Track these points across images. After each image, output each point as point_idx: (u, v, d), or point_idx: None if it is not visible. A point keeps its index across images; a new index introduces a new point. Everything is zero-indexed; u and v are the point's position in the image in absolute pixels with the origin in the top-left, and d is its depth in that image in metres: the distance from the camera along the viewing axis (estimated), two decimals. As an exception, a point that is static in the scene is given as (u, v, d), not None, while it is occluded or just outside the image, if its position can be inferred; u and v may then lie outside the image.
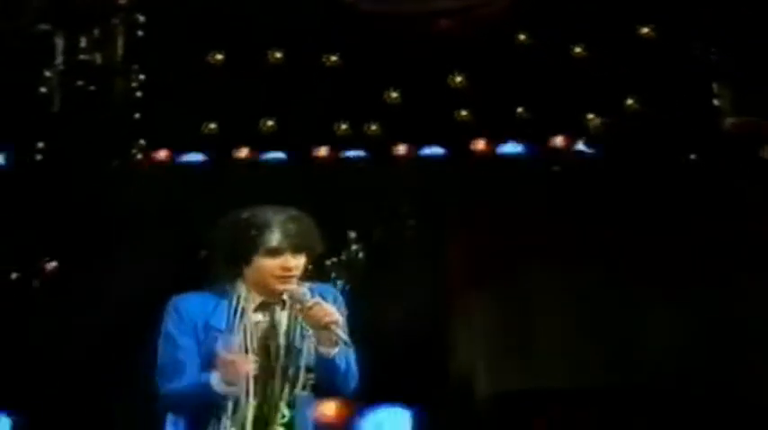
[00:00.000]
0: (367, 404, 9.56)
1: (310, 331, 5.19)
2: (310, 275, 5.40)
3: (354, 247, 10.21)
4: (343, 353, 5.23)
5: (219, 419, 5.23)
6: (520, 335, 9.66)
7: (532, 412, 9.48)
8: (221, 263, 5.39)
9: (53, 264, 10.18)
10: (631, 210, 9.75)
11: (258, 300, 5.27)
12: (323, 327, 5.06)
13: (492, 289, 9.79)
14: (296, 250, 5.29)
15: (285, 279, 5.24)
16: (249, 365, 5.17)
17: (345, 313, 5.39)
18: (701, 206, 9.73)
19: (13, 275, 10.11)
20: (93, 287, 9.86)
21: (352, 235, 10.21)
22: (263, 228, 5.32)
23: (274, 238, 5.28)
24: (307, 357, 5.20)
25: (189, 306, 5.32)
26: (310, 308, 5.08)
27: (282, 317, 5.30)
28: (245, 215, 5.36)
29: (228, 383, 5.13)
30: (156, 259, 9.70)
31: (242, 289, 5.31)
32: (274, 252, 5.27)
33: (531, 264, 9.69)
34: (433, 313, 9.84)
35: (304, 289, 5.19)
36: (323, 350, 5.13)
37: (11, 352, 9.64)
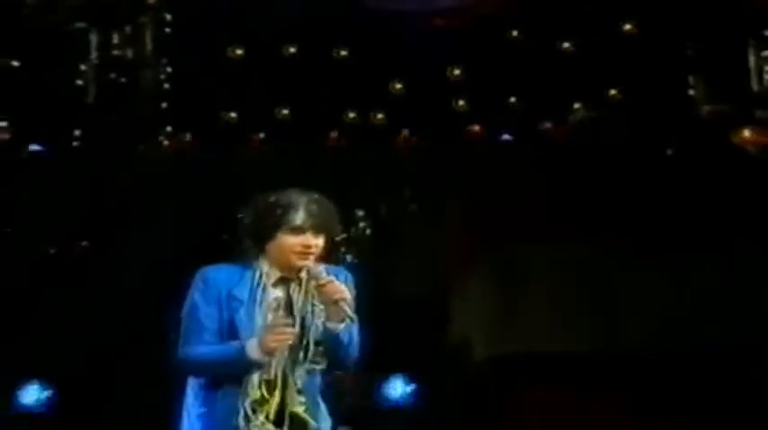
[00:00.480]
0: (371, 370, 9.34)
1: (321, 307, 5.21)
2: (323, 255, 5.38)
3: (362, 225, 10.20)
4: (348, 330, 5.25)
5: (239, 384, 5.23)
6: (513, 304, 9.60)
7: (526, 376, 9.42)
8: (248, 239, 5.40)
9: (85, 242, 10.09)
10: (614, 189, 9.72)
11: (277, 275, 5.28)
12: (333, 303, 5.09)
13: (487, 262, 9.77)
14: (317, 230, 5.29)
15: (305, 255, 5.25)
16: (291, 336, 5.22)
17: (354, 292, 5.41)
18: (679, 183, 9.72)
19: (51, 251, 10.07)
20: (121, 262, 9.88)
21: (360, 213, 10.18)
22: (289, 207, 5.33)
23: (298, 217, 5.29)
24: (315, 332, 5.21)
25: (215, 276, 5.32)
26: (324, 285, 5.11)
27: (298, 293, 5.32)
28: (272, 197, 5.37)
29: (267, 351, 5.16)
30: (178, 235, 9.71)
31: (264, 265, 5.31)
32: (297, 230, 5.27)
33: (522, 238, 9.64)
34: (433, 284, 9.83)
35: (321, 267, 5.21)
36: (330, 325, 5.16)
37: (44, 323, 9.65)
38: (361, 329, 5.30)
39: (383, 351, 8.63)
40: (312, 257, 5.25)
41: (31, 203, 10.03)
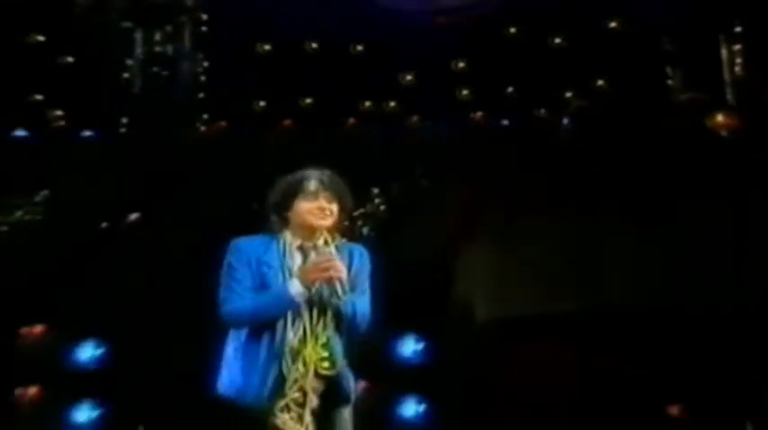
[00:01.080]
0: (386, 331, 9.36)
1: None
2: (341, 229, 5.59)
3: (377, 201, 10.15)
4: (351, 302, 5.32)
5: (275, 338, 5.35)
6: (512, 271, 9.43)
7: (523, 334, 9.24)
8: (273, 214, 5.51)
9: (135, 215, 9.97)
10: (601, 167, 9.60)
11: (298, 243, 5.40)
12: (328, 280, 5.23)
13: (488, 233, 9.61)
14: (329, 196, 5.44)
15: (321, 217, 5.39)
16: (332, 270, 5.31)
17: (369, 267, 5.60)
18: (659, 162, 9.62)
19: (104, 225, 10.00)
20: (167, 231, 9.79)
21: (375, 190, 10.18)
22: (303, 179, 5.49)
23: (311, 184, 5.44)
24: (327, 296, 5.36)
25: (246, 245, 5.45)
26: (321, 263, 5.26)
27: (314, 257, 5.42)
28: (290, 176, 5.54)
29: (310, 283, 5.27)
30: (215, 208, 9.56)
31: (288, 235, 5.44)
32: (311, 195, 5.41)
33: (519, 211, 9.46)
34: (440, 253, 9.71)
35: (330, 248, 5.36)
36: (334, 300, 5.32)
37: (99, 287, 9.49)
38: (373, 299, 5.47)
39: (397, 312, 8.55)
40: (329, 220, 5.43)
41: (87, 182, 9.88)
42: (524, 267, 9.35)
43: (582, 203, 9.33)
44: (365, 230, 9.82)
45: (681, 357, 8.86)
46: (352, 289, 5.40)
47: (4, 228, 9.79)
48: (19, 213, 9.82)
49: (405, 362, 9.55)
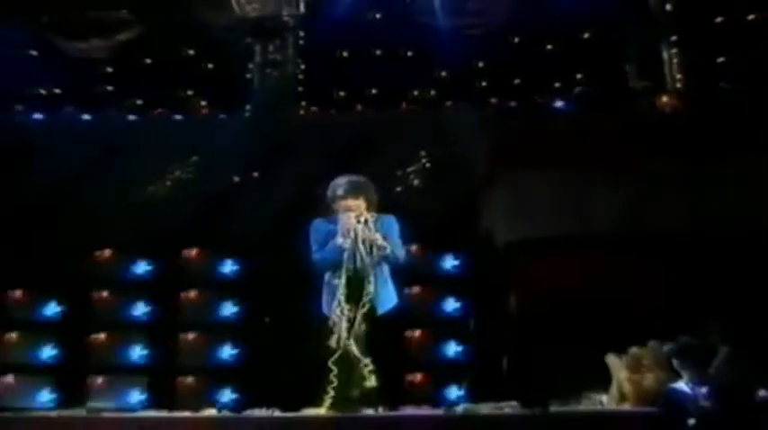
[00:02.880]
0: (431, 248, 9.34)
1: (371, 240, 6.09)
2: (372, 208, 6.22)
3: (423, 161, 9.74)
4: (387, 251, 6.08)
5: (339, 278, 6.07)
6: (522, 209, 9.11)
7: (530, 252, 8.86)
8: (330, 204, 6.27)
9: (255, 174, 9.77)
10: (583, 133, 9.23)
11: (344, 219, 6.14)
12: (347, 231, 6.03)
13: (506, 181, 9.24)
14: (353, 194, 6.15)
15: (349, 209, 6.13)
16: (352, 220, 6.07)
17: (397, 227, 6.26)
18: (623, 131, 9.22)
19: (235, 179, 9.82)
20: (277, 187, 9.60)
21: (422, 152, 9.74)
22: (337, 186, 6.25)
23: (340, 191, 6.22)
24: (370, 249, 6.07)
25: (320, 223, 6.27)
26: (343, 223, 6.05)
27: (359, 231, 6.10)
28: (332, 182, 6.29)
29: (344, 235, 6.02)
30: (310, 170, 9.13)
31: (341, 217, 6.14)
32: (341, 198, 6.20)
33: (525, 167, 9.10)
34: (471, 196, 9.37)
35: (360, 224, 6.05)
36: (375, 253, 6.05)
37: (233, 222, 9.50)
38: (404, 243, 6.24)
39: (440, 235, 9.28)
40: (356, 211, 6.11)
41: (223, 150, 9.63)
42: (530, 207, 9.06)
43: (570, 160, 8.96)
44: (416, 182, 9.61)
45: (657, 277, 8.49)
46: (382, 245, 6.09)
47: (168, 183, 9.66)
48: (177, 172, 9.71)
49: (444, 274, 9.45)
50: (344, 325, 5.97)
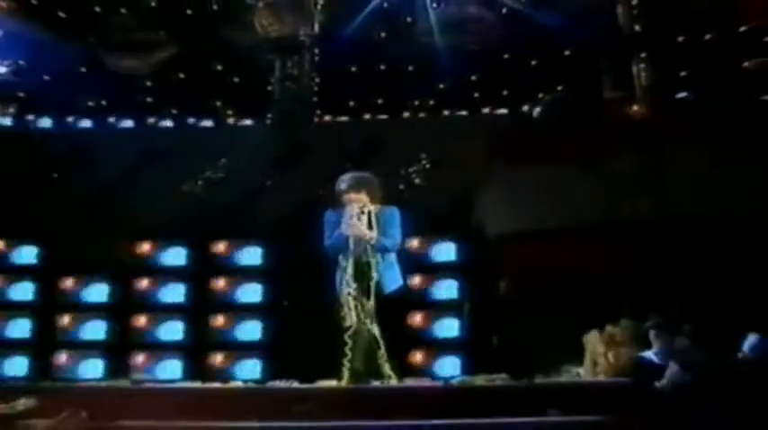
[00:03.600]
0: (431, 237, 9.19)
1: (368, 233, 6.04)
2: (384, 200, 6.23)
3: (423, 161, 9.49)
4: (379, 241, 6.03)
5: (346, 261, 6.07)
6: (514, 201, 8.88)
7: (520, 240, 8.59)
8: (338, 197, 6.25)
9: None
10: (569, 135, 9.03)
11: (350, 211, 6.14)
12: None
13: (501, 177, 9.03)
14: (355, 189, 6.15)
15: (351, 202, 6.11)
16: (354, 211, 6.11)
17: (398, 217, 6.17)
18: (602, 135, 9.03)
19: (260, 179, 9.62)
20: (296, 184, 9.37)
21: (423, 155, 9.51)
22: (341, 181, 6.23)
23: (342, 186, 6.22)
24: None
25: (331, 214, 6.20)
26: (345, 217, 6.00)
27: (363, 221, 6.09)
28: (339, 178, 6.25)
29: (345, 228, 6.06)
30: (326, 168, 8.66)
31: (348, 209, 6.11)
32: (344, 192, 6.21)
33: (517, 165, 8.92)
34: (470, 191, 9.13)
35: (363, 219, 6.02)
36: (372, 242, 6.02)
37: (256, 215, 9.38)
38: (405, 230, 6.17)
39: (438, 226, 9.17)
40: (355, 205, 6.06)
41: (248, 153, 9.55)
42: (521, 199, 8.88)
43: (553, 160, 8.75)
44: (417, 180, 9.43)
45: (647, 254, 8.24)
46: (384, 232, 6.05)
47: (200, 182, 9.49)
48: (208, 172, 9.58)
49: (442, 263, 9.27)
50: (352, 303, 5.97)
